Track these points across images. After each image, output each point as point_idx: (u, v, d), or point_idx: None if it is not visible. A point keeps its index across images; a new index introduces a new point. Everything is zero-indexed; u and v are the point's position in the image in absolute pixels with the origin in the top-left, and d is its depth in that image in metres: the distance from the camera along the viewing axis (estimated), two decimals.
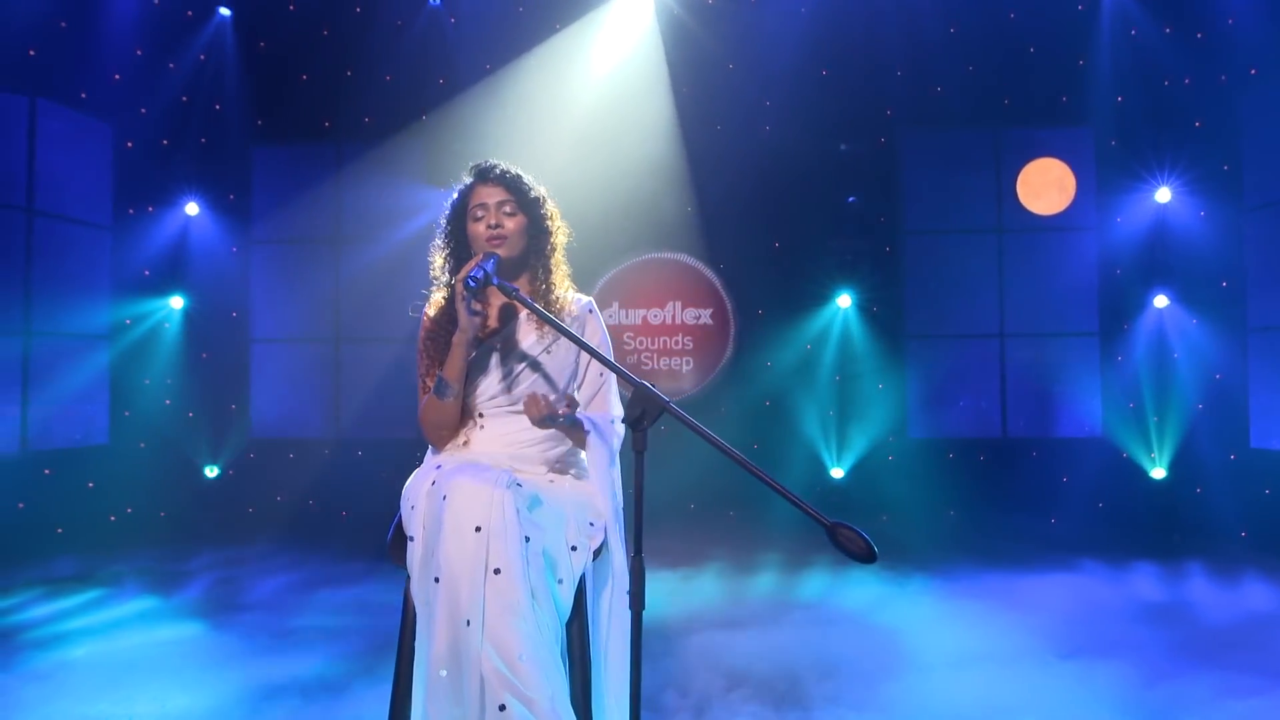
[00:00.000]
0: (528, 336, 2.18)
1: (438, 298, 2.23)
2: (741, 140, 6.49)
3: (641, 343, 6.64)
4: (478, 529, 1.77)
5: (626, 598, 2.00)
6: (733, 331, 6.64)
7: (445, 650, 1.77)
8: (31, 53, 5.40)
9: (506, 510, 1.80)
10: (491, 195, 2.15)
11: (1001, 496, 6.28)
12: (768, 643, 3.70)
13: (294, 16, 6.49)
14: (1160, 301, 6.27)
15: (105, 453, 6.04)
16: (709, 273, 6.67)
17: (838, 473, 6.44)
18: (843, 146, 6.48)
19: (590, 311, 2.28)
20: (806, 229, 6.52)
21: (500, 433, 2.12)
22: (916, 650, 3.59)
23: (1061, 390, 6.50)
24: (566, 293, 2.26)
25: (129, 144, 6.15)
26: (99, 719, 2.92)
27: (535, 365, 2.14)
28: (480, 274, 1.93)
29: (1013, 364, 6.57)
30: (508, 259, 2.14)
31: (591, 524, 2.05)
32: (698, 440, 6.36)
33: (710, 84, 6.47)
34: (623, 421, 1.88)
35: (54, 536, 5.43)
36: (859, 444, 6.43)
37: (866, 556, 1.51)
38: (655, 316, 6.64)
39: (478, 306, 1.99)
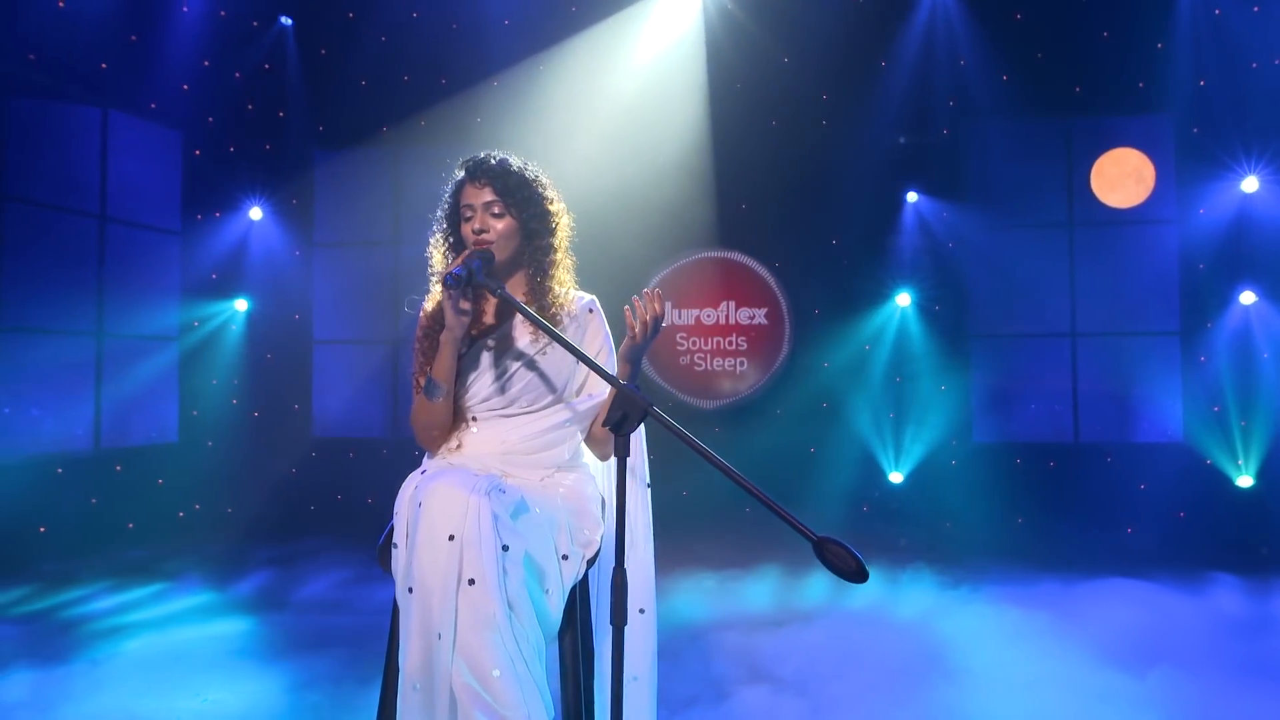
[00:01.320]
0: (523, 336, 2.10)
1: (437, 293, 2.16)
2: (797, 135, 6.35)
3: (694, 343, 6.55)
4: (451, 537, 1.71)
5: (643, 613, 1.95)
6: (788, 331, 6.50)
7: (418, 664, 1.71)
8: (103, 66, 5.63)
9: (482, 517, 1.73)
10: (479, 196, 2.06)
11: (1073, 505, 5.99)
12: (801, 644, 3.62)
13: (353, 24, 6.62)
14: (1247, 298, 5.89)
15: (174, 451, 6.26)
16: (763, 271, 6.54)
17: (896, 477, 6.23)
18: (901, 140, 6.27)
19: (591, 310, 2.17)
20: (864, 225, 6.33)
21: (493, 435, 2.05)
22: (963, 660, 3.43)
23: (1139, 393, 6.16)
24: (567, 291, 2.16)
25: (197, 152, 6.36)
26: (137, 715, 2.99)
27: (531, 365, 2.06)
28: (462, 271, 1.87)
29: (1085, 365, 6.26)
30: (501, 259, 2.06)
31: (588, 531, 1.98)
32: (755, 439, 6.28)
33: (765, 79, 6.35)
34: (603, 425, 1.80)
35: (124, 531, 5.65)
36: (920, 448, 6.21)
37: (857, 576, 1.41)
38: (709, 316, 6.55)
39: (465, 306, 1.93)
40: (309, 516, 6.43)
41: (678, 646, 3.58)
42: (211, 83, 6.30)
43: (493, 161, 2.08)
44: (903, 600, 4.39)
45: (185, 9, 6.05)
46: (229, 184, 6.51)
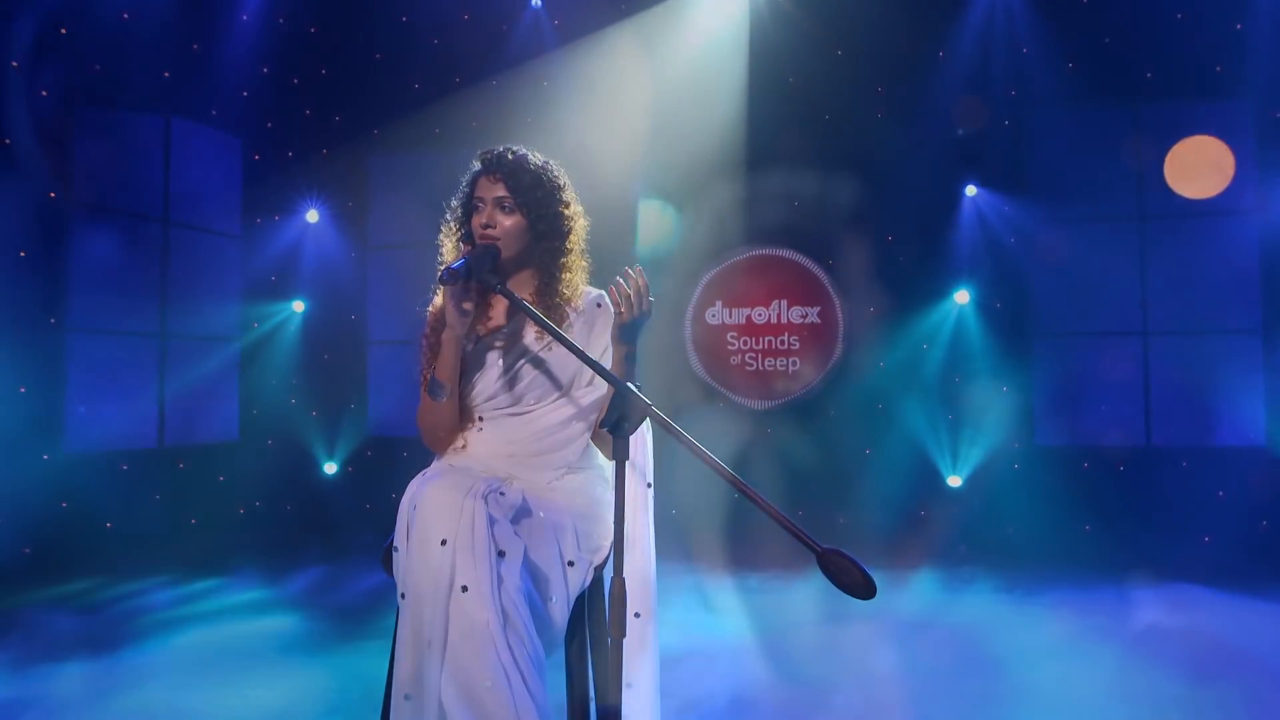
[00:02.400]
0: (529, 333, 2.06)
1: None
2: (851, 129, 6.18)
3: (745, 343, 6.44)
4: (443, 542, 1.67)
5: (638, 616, 1.89)
6: (842, 331, 6.34)
7: (409, 673, 1.66)
8: (166, 74, 5.80)
9: (476, 522, 1.68)
10: (491, 190, 2.02)
11: (1145, 511, 5.69)
12: (839, 647, 3.55)
13: (406, 27, 6.69)
14: None
15: (236, 449, 6.41)
16: (816, 269, 6.39)
17: (955, 481, 6.03)
18: (960, 132, 6.05)
19: (599, 305, 2.11)
20: (921, 221, 6.13)
21: (499, 435, 2.00)
22: (1012, 669, 3.28)
23: (1217, 394, 5.83)
24: (577, 289, 2.11)
25: (256, 156, 6.51)
26: (181, 709, 3.04)
27: (536, 362, 2.01)
28: (458, 266, 1.83)
29: (1158, 365, 5.95)
30: (507, 256, 2.02)
31: (597, 537, 1.92)
32: (808, 441, 6.14)
33: (817, 72, 6.20)
34: (600, 425, 1.73)
35: (187, 526, 5.80)
36: (979, 450, 5.99)
37: (863, 590, 1.32)
38: (760, 316, 6.42)
39: (468, 306, 1.90)
40: (365, 515, 6.52)
41: (709, 647, 3.53)
42: (270, 89, 6.44)
43: (509, 156, 2.04)
44: (959, 607, 4.26)
45: (244, 17, 6.19)
46: (287, 188, 6.64)
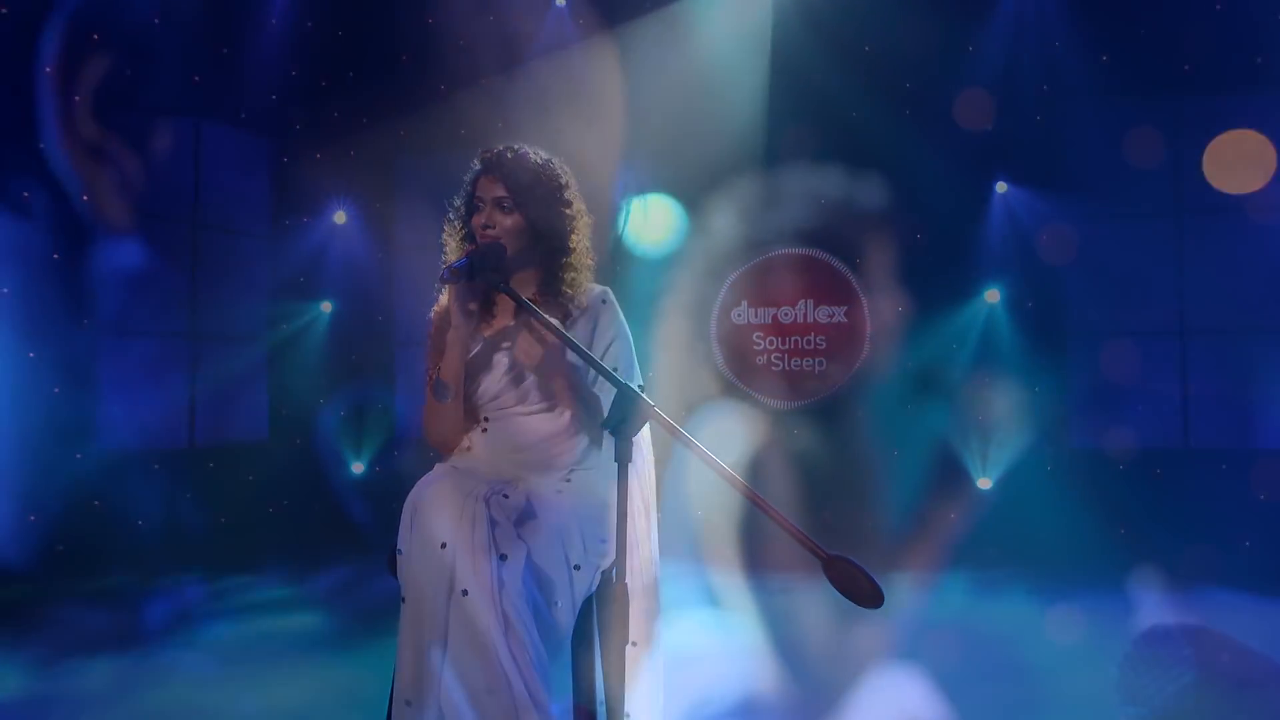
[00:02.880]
0: (535, 332, 2.03)
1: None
2: (879, 126, 6.10)
3: (771, 343, 6.37)
4: (444, 545, 1.65)
5: (643, 620, 1.86)
6: (869, 330, 6.26)
7: (410, 678, 1.65)
8: (196, 78, 5.86)
9: (476, 524, 1.66)
10: (490, 189, 2.00)
11: (1183, 515, 5.54)
12: (858, 651, 3.48)
13: (432, 29, 6.71)
14: None
15: (265, 448, 6.47)
16: (843, 268, 6.32)
17: (985, 483, 5.92)
18: (988, 127, 5.95)
19: (604, 303, 2.08)
20: (951, 219, 6.03)
21: (505, 436, 1.98)
22: (1038, 684, 3.20)
23: (1258, 395, 5.67)
24: (580, 287, 2.08)
25: (285, 159, 6.57)
26: (201, 707, 3.06)
27: (541, 361, 1.99)
28: (460, 265, 1.83)
29: (1196, 365, 5.80)
30: (510, 256, 2.00)
31: (604, 540, 1.89)
32: (835, 442, 6.06)
33: (844, 69, 6.13)
34: (602, 426, 1.71)
35: (216, 525, 5.86)
36: (1010, 452, 5.88)
37: (870, 599, 1.28)
38: (786, 315, 6.36)
39: (472, 306, 1.89)
40: (390, 515, 6.54)
41: (722, 648, 3.52)
42: (299, 92, 6.49)
43: (509, 155, 2.02)
44: (987, 611, 4.19)
45: (273, 21, 6.26)
46: (315, 190, 6.69)
